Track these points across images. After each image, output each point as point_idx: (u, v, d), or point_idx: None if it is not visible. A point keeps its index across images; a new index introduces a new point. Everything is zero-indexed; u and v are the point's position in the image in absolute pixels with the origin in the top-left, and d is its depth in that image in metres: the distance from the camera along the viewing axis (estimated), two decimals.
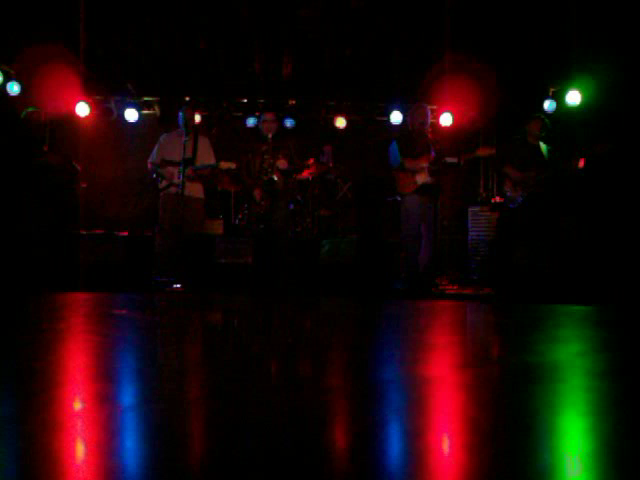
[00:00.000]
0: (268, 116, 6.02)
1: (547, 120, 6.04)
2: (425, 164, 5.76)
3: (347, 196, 7.81)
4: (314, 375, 1.85)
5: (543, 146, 5.96)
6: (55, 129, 7.65)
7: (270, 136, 5.88)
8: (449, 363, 2.08)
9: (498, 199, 6.98)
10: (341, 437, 1.20)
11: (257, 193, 5.88)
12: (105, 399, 1.45)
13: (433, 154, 5.78)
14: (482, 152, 5.98)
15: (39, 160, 5.90)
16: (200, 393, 1.55)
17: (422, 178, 5.78)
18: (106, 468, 0.98)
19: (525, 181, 5.79)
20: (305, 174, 7.06)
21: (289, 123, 7.82)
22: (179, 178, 5.70)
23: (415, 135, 5.92)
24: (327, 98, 8.01)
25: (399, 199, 5.98)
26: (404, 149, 5.82)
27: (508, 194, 5.90)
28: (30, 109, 6.10)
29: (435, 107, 7.81)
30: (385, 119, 7.92)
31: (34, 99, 6.82)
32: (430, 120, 6.07)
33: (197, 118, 7.58)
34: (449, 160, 5.82)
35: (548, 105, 7.36)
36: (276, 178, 5.80)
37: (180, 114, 6.04)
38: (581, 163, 5.66)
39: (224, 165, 6.03)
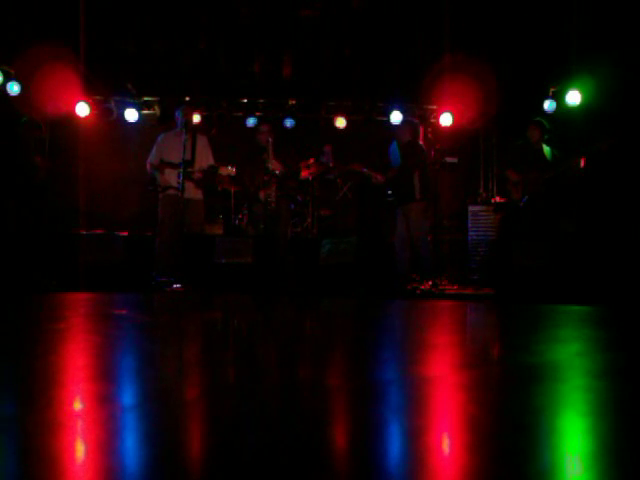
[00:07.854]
0: (264, 127, 6.06)
1: (546, 123, 6.06)
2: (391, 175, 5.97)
3: (347, 196, 7.81)
4: (314, 375, 1.85)
5: (546, 148, 5.98)
6: (55, 129, 7.65)
7: (269, 147, 5.87)
8: (449, 363, 2.08)
9: (499, 199, 7.00)
10: (341, 437, 1.20)
11: (262, 193, 5.91)
12: (105, 399, 1.45)
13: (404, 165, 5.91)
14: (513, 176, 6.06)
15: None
16: (200, 393, 1.55)
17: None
18: (106, 468, 0.98)
19: (525, 182, 5.82)
20: (305, 174, 7.05)
21: (289, 123, 7.82)
22: (179, 179, 5.70)
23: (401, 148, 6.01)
24: (327, 98, 8.00)
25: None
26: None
27: (511, 195, 5.95)
28: (26, 119, 6.03)
29: (435, 107, 7.81)
30: (385, 119, 7.92)
31: (34, 99, 6.82)
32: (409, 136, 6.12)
33: (197, 118, 7.57)
34: (449, 160, 5.84)
35: (548, 105, 7.35)
36: (274, 193, 5.83)
37: (177, 113, 6.03)
38: (582, 163, 5.68)
39: (224, 171, 6.04)
